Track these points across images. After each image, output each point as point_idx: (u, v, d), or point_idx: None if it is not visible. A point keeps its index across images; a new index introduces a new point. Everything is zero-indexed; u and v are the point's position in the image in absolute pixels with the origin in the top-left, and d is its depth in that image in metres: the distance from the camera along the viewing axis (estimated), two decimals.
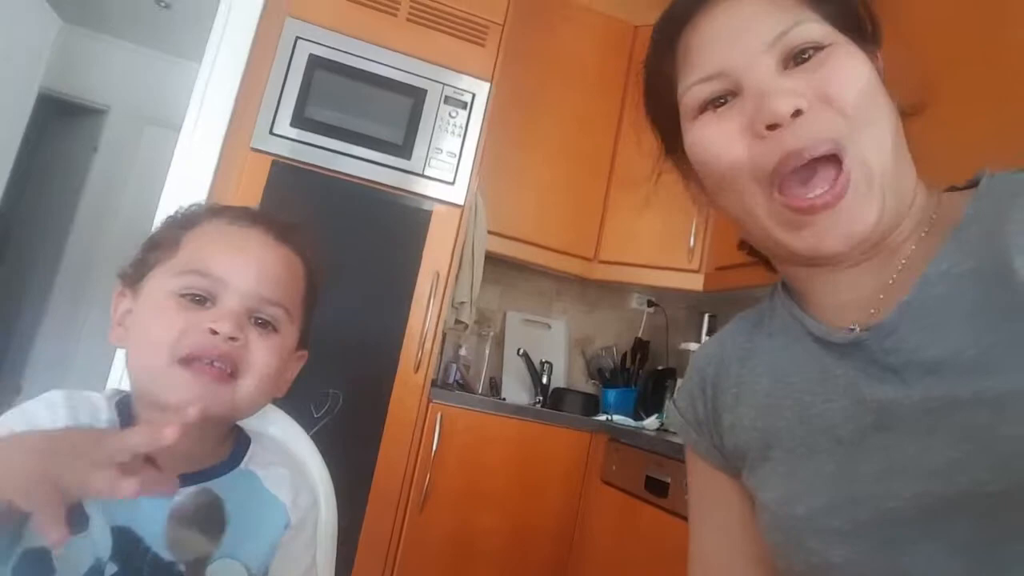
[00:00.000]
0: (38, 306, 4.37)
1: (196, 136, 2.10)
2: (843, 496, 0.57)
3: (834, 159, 0.56)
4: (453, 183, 2.23)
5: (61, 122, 4.57)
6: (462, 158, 2.25)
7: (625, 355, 2.91)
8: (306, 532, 0.78)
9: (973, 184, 0.61)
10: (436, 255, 2.20)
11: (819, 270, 0.62)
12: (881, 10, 0.64)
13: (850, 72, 0.57)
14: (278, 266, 0.77)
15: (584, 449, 2.33)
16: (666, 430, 2.33)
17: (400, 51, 2.23)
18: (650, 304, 2.99)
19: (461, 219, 2.25)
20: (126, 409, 0.73)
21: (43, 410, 0.68)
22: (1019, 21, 1.47)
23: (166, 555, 0.65)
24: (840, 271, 0.61)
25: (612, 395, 2.76)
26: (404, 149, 2.20)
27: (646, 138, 0.74)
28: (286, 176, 2.10)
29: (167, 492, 0.56)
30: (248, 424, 0.81)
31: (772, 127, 0.56)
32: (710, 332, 2.63)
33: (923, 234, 0.60)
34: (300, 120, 2.13)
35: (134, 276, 0.76)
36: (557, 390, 2.75)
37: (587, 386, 2.95)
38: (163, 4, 4.01)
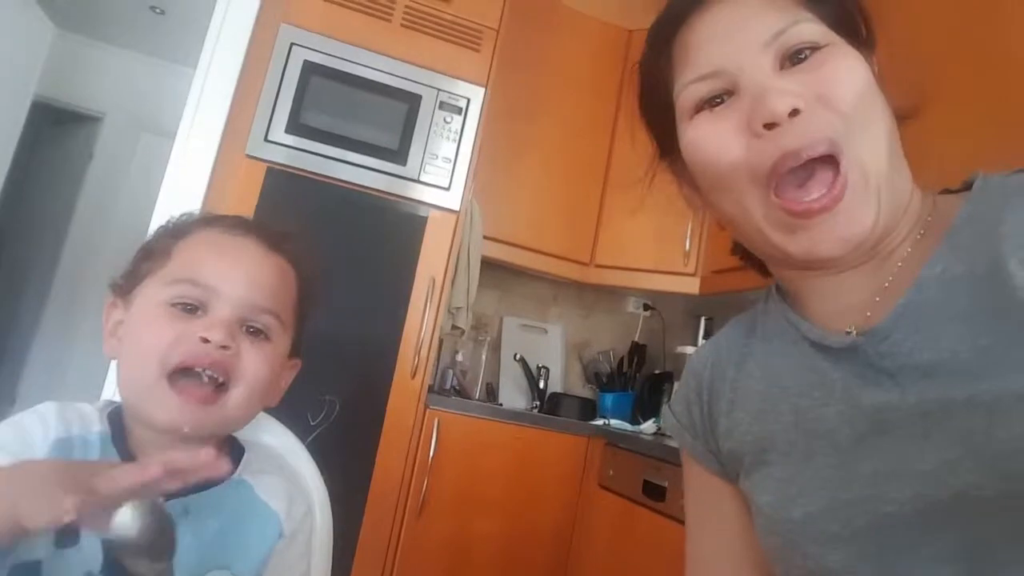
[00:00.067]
0: (33, 314, 4.35)
1: (191, 143, 2.10)
2: (840, 500, 0.57)
3: (831, 160, 0.55)
4: (448, 188, 2.23)
5: (56, 129, 4.56)
6: (457, 163, 2.25)
7: (622, 359, 2.91)
8: (300, 542, 0.78)
9: (967, 187, 0.61)
10: (432, 261, 2.20)
11: (814, 273, 0.62)
12: (874, 13, 0.64)
13: (848, 73, 0.57)
14: (270, 274, 0.76)
15: (581, 454, 2.33)
16: (663, 434, 2.33)
17: (395, 57, 2.23)
18: (646, 308, 2.99)
19: (457, 224, 2.24)
20: (117, 421, 0.73)
21: (35, 422, 0.68)
22: (1011, 24, 1.48)
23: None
24: (835, 274, 0.61)
25: (609, 399, 2.76)
26: (399, 155, 2.20)
27: (641, 140, 0.74)
28: (281, 182, 2.10)
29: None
30: (242, 433, 0.81)
31: (769, 126, 0.56)
32: (706, 335, 2.63)
33: (918, 237, 0.60)
34: (295, 126, 2.13)
35: (125, 287, 0.76)
36: (554, 395, 2.75)
37: (584, 391, 2.95)
38: (158, 11, 4.01)
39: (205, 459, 0.53)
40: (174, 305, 0.71)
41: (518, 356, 2.77)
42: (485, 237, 2.50)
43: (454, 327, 2.44)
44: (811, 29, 0.59)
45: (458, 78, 2.29)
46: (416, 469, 2.14)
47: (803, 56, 0.58)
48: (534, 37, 2.66)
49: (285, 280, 0.79)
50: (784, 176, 0.57)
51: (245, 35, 2.15)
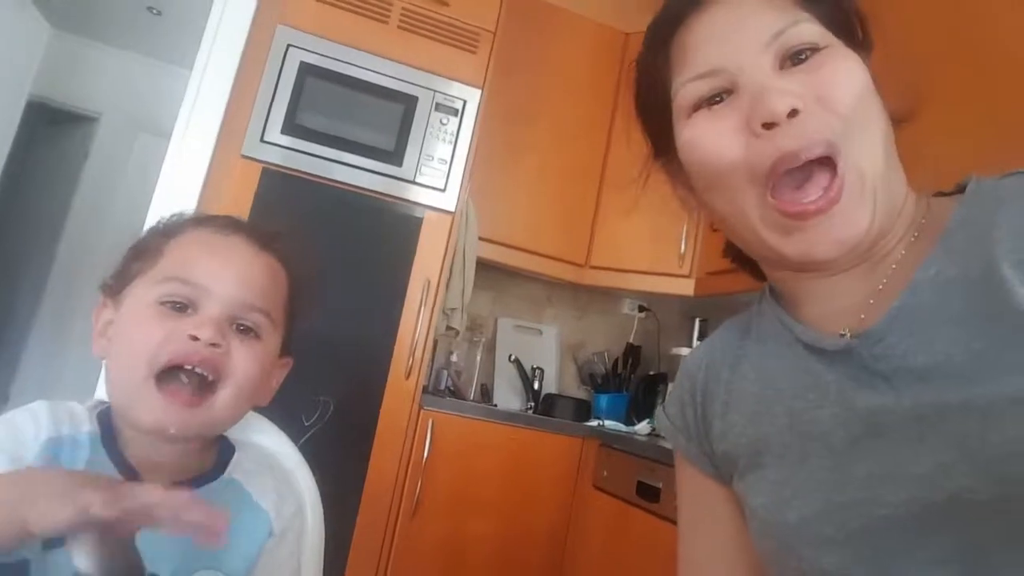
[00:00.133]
0: (28, 313, 4.34)
1: (186, 143, 2.10)
2: (834, 503, 0.57)
3: (828, 162, 0.55)
4: (444, 190, 2.24)
5: (52, 129, 4.55)
6: (453, 165, 2.25)
7: (617, 360, 2.92)
8: (289, 540, 0.78)
9: (960, 189, 0.62)
10: (427, 262, 2.20)
11: (808, 275, 0.62)
12: (869, 16, 0.64)
13: (847, 75, 0.57)
14: (260, 273, 0.77)
15: (576, 455, 2.33)
16: (657, 435, 2.33)
17: (391, 58, 2.24)
18: (641, 309, 2.99)
19: (452, 226, 2.25)
20: (107, 421, 0.73)
21: (27, 420, 0.68)
22: (1003, 26, 1.48)
23: (147, 567, 0.65)
24: (829, 276, 0.61)
25: (604, 400, 2.76)
26: (395, 156, 2.20)
27: (636, 140, 0.73)
28: (277, 183, 2.10)
29: None
30: (233, 433, 0.81)
31: (768, 126, 0.56)
32: (701, 337, 2.63)
33: (912, 239, 0.60)
34: (291, 127, 2.13)
35: (115, 287, 0.76)
36: (549, 396, 2.75)
37: (579, 392, 2.95)
38: (155, 11, 4.00)
39: (212, 521, 0.53)
40: (163, 304, 0.71)
41: (513, 357, 2.77)
42: (480, 238, 2.50)
43: (449, 328, 2.45)
44: (810, 30, 0.59)
45: (454, 80, 2.29)
46: (410, 470, 2.14)
47: (803, 57, 0.58)
48: (531, 39, 2.66)
49: (275, 279, 0.79)
50: (781, 177, 0.57)
51: (241, 36, 2.15)
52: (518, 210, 2.66)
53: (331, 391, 2.04)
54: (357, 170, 2.17)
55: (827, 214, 0.55)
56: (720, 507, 0.72)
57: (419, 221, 2.21)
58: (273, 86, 2.13)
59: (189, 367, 0.69)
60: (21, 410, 0.69)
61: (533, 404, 2.74)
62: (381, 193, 2.19)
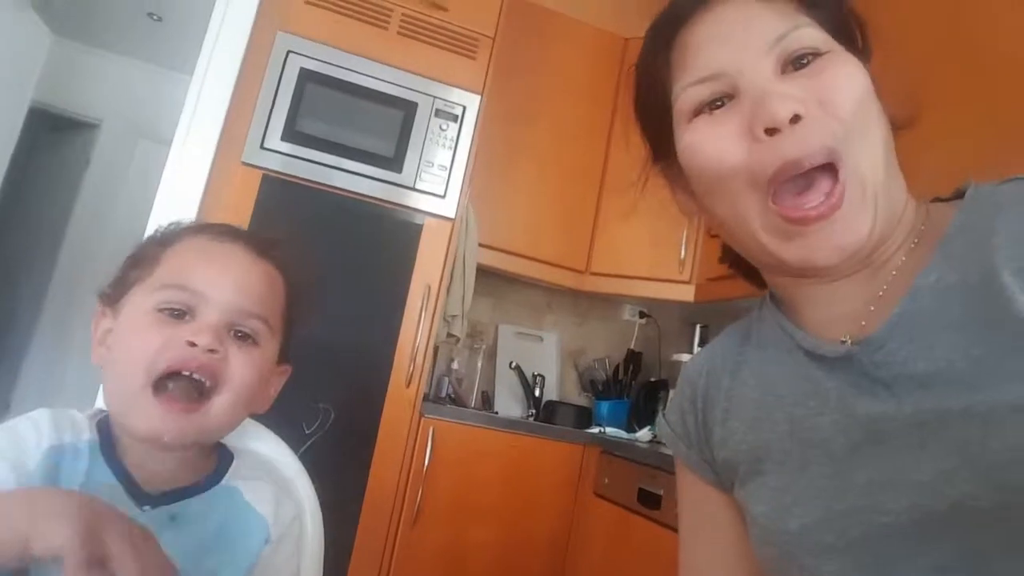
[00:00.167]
0: (29, 320, 4.34)
1: (187, 150, 2.10)
2: (835, 511, 0.56)
3: (830, 168, 0.55)
4: (444, 196, 2.24)
5: (53, 136, 4.57)
6: (453, 171, 2.25)
7: (618, 367, 2.91)
8: (287, 547, 0.78)
9: (958, 195, 0.61)
10: (427, 268, 2.20)
11: (808, 281, 0.62)
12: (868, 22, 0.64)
13: (848, 80, 0.57)
14: (258, 280, 0.77)
15: (577, 462, 2.33)
16: (659, 442, 2.32)
17: (391, 64, 2.24)
18: (642, 315, 2.99)
19: (452, 232, 2.25)
20: (105, 428, 0.73)
21: (29, 429, 0.68)
22: (1001, 31, 1.49)
23: None
24: (829, 283, 0.61)
25: (605, 407, 2.75)
26: (395, 162, 2.20)
27: (636, 144, 0.73)
28: (277, 190, 2.10)
29: None
30: (232, 441, 0.81)
31: (771, 131, 0.55)
32: (702, 343, 2.63)
33: (912, 246, 0.60)
34: (291, 134, 2.13)
35: (114, 295, 0.76)
36: (550, 403, 2.74)
37: (580, 398, 2.95)
38: (155, 17, 4.02)
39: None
40: (161, 311, 0.71)
41: (513, 364, 2.77)
42: (481, 244, 2.50)
43: (449, 335, 2.44)
44: (812, 34, 0.59)
45: (454, 86, 2.29)
46: (411, 478, 2.14)
47: (804, 62, 0.58)
48: (530, 45, 2.67)
49: (273, 286, 0.79)
50: (783, 183, 0.57)
51: (242, 42, 2.15)
52: (518, 216, 2.66)
53: (332, 399, 2.04)
54: (357, 176, 2.17)
55: (828, 220, 0.55)
56: (721, 514, 0.72)
57: (419, 228, 2.21)
58: (273, 92, 2.13)
59: (187, 373, 0.69)
60: (23, 418, 0.69)
61: (534, 411, 2.73)
62: (381, 199, 2.19)
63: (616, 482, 2.12)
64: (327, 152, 2.15)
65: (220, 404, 0.71)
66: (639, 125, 0.72)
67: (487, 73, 2.34)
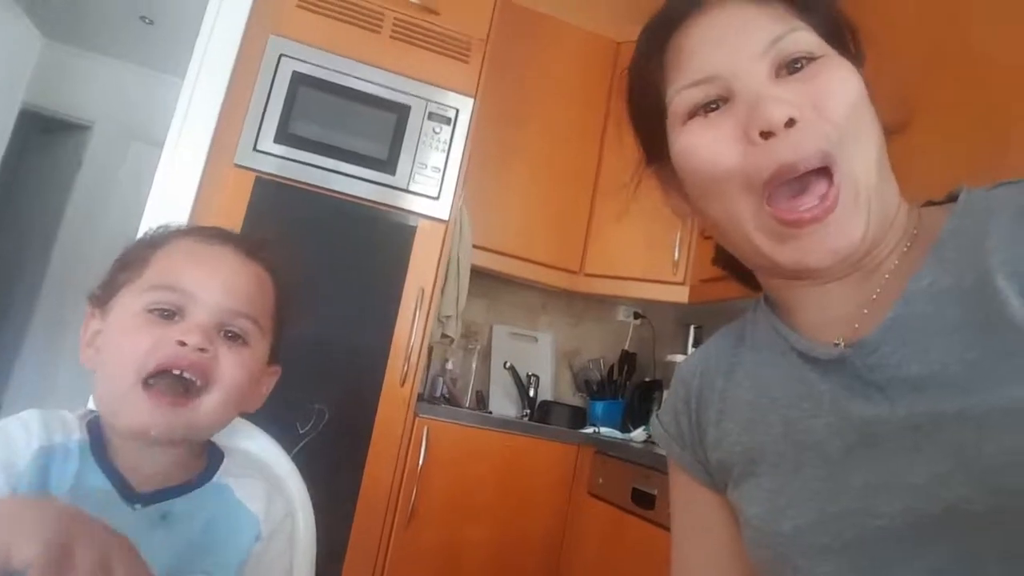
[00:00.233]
0: (21, 323, 4.33)
1: (179, 153, 2.10)
2: (829, 513, 0.57)
3: (824, 171, 0.55)
4: (438, 198, 2.24)
5: (45, 138, 4.56)
6: (446, 173, 2.25)
7: (612, 367, 2.92)
8: (279, 544, 0.78)
9: (951, 199, 0.62)
10: (421, 270, 2.20)
11: (801, 283, 0.62)
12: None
13: (842, 85, 0.57)
14: (248, 281, 0.77)
15: (571, 462, 2.33)
16: (653, 442, 2.33)
17: (384, 68, 2.24)
18: (636, 316, 3.00)
19: (446, 234, 2.25)
20: (96, 429, 0.73)
21: (19, 429, 0.68)
22: (988, 37, 1.50)
23: None
24: (822, 285, 0.61)
25: (599, 407, 2.75)
26: (388, 165, 2.20)
27: (629, 146, 0.73)
28: (270, 192, 2.10)
29: None
30: (223, 440, 0.81)
31: (766, 135, 0.56)
32: (696, 344, 2.64)
33: (905, 249, 0.61)
34: (284, 136, 2.13)
35: (103, 297, 0.76)
36: (544, 403, 2.75)
37: (574, 399, 2.95)
38: (147, 20, 4.01)
39: None
40: (151, 311, 0.72)
41: (508, 364, 2.77)
42: (475, 246, 2.51)
43: (444, 335, 2.45)
44: (807, 38, 0.59)
45: (447, 89, 2.29)
46: (405, 477, 2.14)
47: (799, 66, 0.58)
48: (523, 48, 2.67)
49: (263, 287, 0.79)
50: (778, 186, 0.57)
51: (234, 46, 2.16)
52: (512, 218, 2.66)
53: (326, 399, 2.04)
54: (350, 179, 2.17)
55: (822, 223, 0.55)
56: (714, 515, 0.72)
57: (413, 229, 2.22)
58: (266, 96, 2.13)
59: (177, 372, 0.70)
60: (12, 419, 0.69)
61: (529, 411, 2.73)
62: (374, 202, 2.19)
63: (610, 482, 2.13)
64: (320, 155, 2.15)
65: (210, 402, 0.72)
66: (632, 127, 0.72)
67: (480, 76, 2.34)
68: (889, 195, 0.60)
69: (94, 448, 0.71)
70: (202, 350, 0.70)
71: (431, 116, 2.25)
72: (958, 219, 0.58)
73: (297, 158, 2.13)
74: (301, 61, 2.17)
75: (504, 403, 2.80)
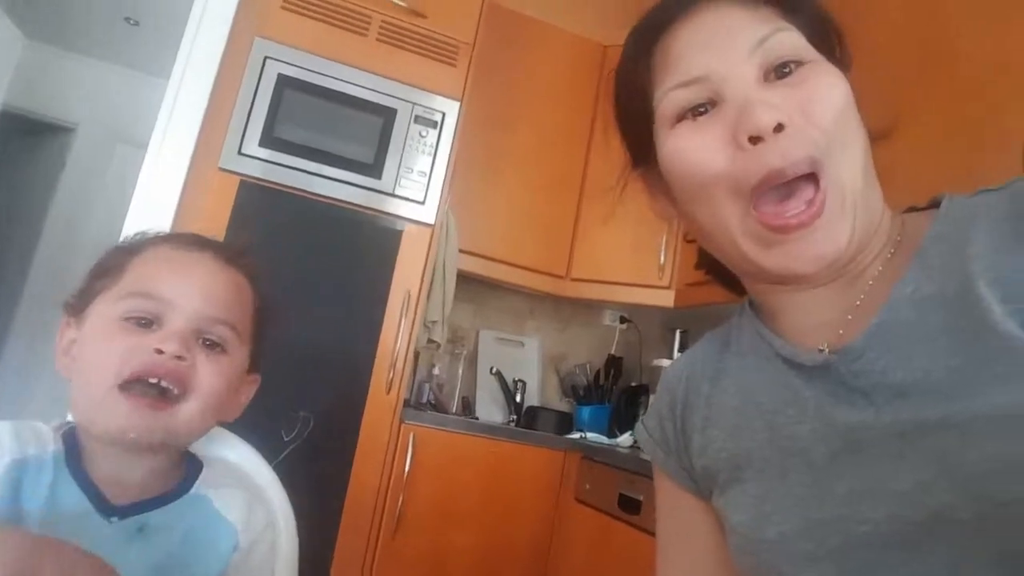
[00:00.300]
0: (1, 328, 4.27)
1: (163, 155, 2.08)
2: (814, 519, 0.56)
3: (811, 177, 0.56)
4: (424, 202, 2.23)
5: (28, 140, 4.51)
6: (432, 177, 2.25)
7: (598, 372, 2.92)
8: (259, 554, 0.77)
9: (933, 205, 0.62)
10: (407, 274, 2.19)
11: (786, 288, 0.62)
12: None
13: (830, 90, 0.58)
14: (226, 288, 0.76)
15: (558, 468, 2.33)
16: (639, 447, 2.33)
17: (370, 71, 2.23)
18: (623, 320, 3.00)
19: (432, 238, 2.24)
20: (71, 440, 0.72)
21: None
22: (968, 43, 1.51)
23: None
24: (808, 290, 0.61)
25: (586, 412, 2.76)
26: (374, 168, 2.19)
27: (615, 148, 0.73)
28: (255, 196, 2.08)
29: None
30: (203, 449, 0.81)
31: (754, 140, 0.56)
32: (682, 348, 2.64)
33: (888, 255, 0.61)
34: (269, 140, 2.12)
35: (78, 305, 0.75)
36: (531, 408, 2.74)
37: (561, 404, 2.95)
38: (132, 22, 3.98)
39: None
40: (127, 319, 0.71)
41: (494, 370, 2.76)
42: (461, 251, 2.50)
43: (430, 341, 2.44)
44: (793, 39, 0.59)
45: (434, 92, 2.29)
46: (391, 484, 2.13)
47: (787, 70, 0.58)
48: (510, 52, 2.67)
49: (241, 294, 0.79)
50: (765, 192, 0.57)
51: (218, 48, 2.14)
52: (498, 223, 2.66)
53: (311, 406, 2.02)
54: (336, 183, 2.16)
55: (809, 228, 0.55)
56: (699, 522, 0.72)
57: (399, 234, 2.21)
58: (251, 98, 2.12)
59: (154, 380, 0.69)
60: None
61: (515, 417, 2.73)
62: (360, 206, 2.18)
63: (597, 488, 2.12)
64: (306, 158, 2.14)
65: (188, 410, 0.71)
66: (619, 130, 0.71)
67: (466, 80, 2.33)
68: (874, 201, 0.60)
69: (69, 460, 0.69)
70: (179, 358, 0.70)
71: (417, 120, 2.25)
72: (940, 225, 0.58)
73: (282, 162, 2.12)
74: (286, 64, 2.16)
75: (491, 409, 2.80)
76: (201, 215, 2.05)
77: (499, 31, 2.54)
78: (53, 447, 0.70)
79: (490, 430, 2.34)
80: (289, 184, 2.12)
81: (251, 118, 2.11)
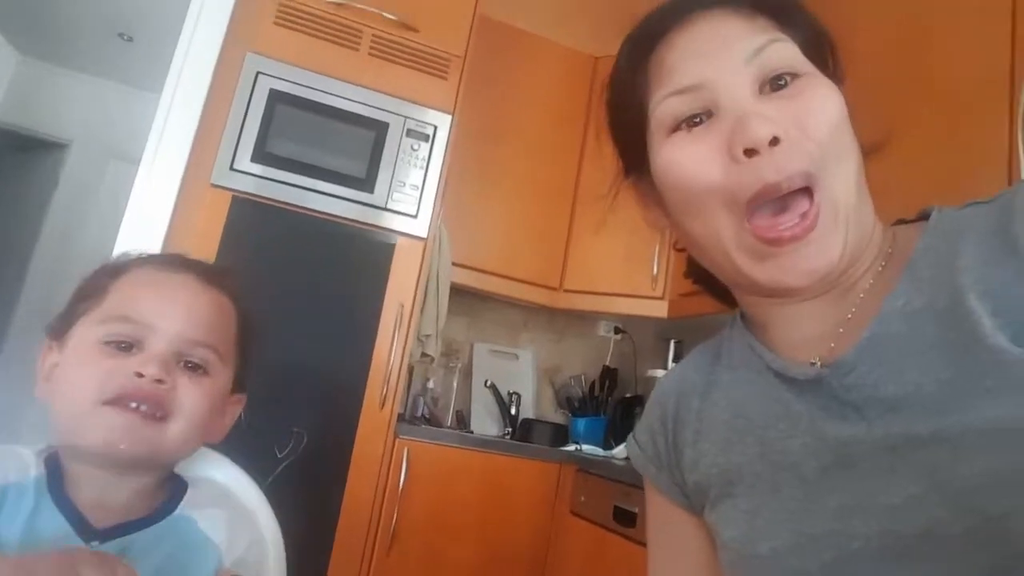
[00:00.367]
0: None
1: (155, 171, 2.08)
2: (807, 535, 0.56)
3: (806, 191, 0.56)
4: (416, 216, 2.23)
5: (21, 156, 4.50)
6: (425, 191, 2.25)
7: (593, 383, 2.91)
8: (245, 573, 0.76)
9: (922, 217, 0.62)
10: (400, 288, 2.19)
11: (777, 301, 0.62)
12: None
13: (825, 104, 0.58)
14: (207, 309, 0.76)
15: (553, 481, 2.32)
16: None
17: (362, 85, 2.24)
18: (617, 331, 3.00)
19: (425, 252, 2.24)
20: (54, 464, 0.71)
21: None
22: (954, 58, 1.52)
23: None
24: (799, 303, 0.61)
25: (581, 424, 2.75)
26: (366, 183, 2.19)
27: (608, 157, 0.73)
28: (247, 211, 2.08)
29: None
30: (189, 470, 0.80)
31: (750, 152, 0.55)
32: (676, 358, 2.64)
33: (880, 269, 0.61)
34: (261, 155, 2.12)
35: (60, 328, 0.75)
36: (526, 421, 2.74)
37: (556, 416, 2.95)
38: (126, 38, 3.99)
39: None
40: (108, 343, 0.70)
41: (489, 382, 2.76)
42: (454, 264, 2.50)
43: (424, 355, 2.43)
44: (788, 50, 0.59)
45: (425, 105, 2.29)
46: (386, 499, 2.12)
47: (783, 83, 0.58)
48: (501, 65, 2.69)
49: (223, 314, 0.78)
50: (760, 205, 0.57)
51: (210, 63, 2.14)
52: (491, 235, 2.66)
53: (304, 422, 2.02)
54: (328, 197, 2.16)
55: (802, 241, 0.55)
56: (691, 537, 0.71)
57: (391, 247, 2.20)
58: (243, 114, 2.12)
59: (134, 404, 0.68)
60: None
61: (510, 429, 2.72)
62: (352, 220, 2.18)
63: (592, 500, 2.12)
64: (298, 173, 2.14)
65: (172, 432, 0.71)
66: (611, 138, 0.71)
67: (458, 93, 2.34)
68: (866, 215, 0.60)
69: (51, 485, 0.69)
70: (159, 381, 0.69)
71: (409, 133, 2.25)
72: (930, 238, 0.59)
73: (274, 177, 2.12)
74: (278, 79, 2.16)
75: (486, 422, 2.79)
76: (194, 231, 2.04)
77: (490, 44, 2.55)
78: (35, 472, 0.69)
79: (484, 444, 2.33)
80: (281, 199, 2.12)
81: (243, 133, 2.11)
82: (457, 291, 2.57)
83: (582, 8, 2.85)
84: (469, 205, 2.61)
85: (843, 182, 0.57)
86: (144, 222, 2.04)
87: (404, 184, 2.22)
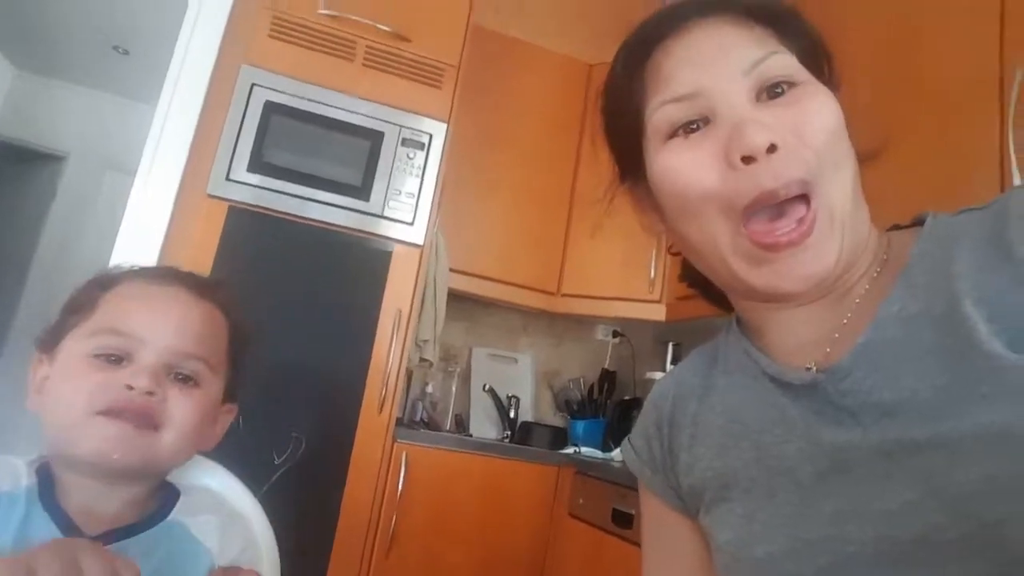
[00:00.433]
0: None
1: (151, 182, 2.09)
2: (802, 540, 0.56)
3: (802, 197, 0.56)
4: (412, 223, 2.24)
5: (18, 168, 4.51)
6: (421, 198, 2.26)
7: (592, 386, 2.92)
8: None
9: (917, 222, 0.62)
10: (397, 295, 2.20)
11: (773, 306, 0.62)
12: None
13: (822, 112, 0.58)
14: (198, 321, 0.76)
15: (552, 483, 2.33)
16: None
17: (357, 95, 2.25)
18: (615, 335, 3.01)
19: (421, 258, 2.25)
20: (45, 474, 0.71)
21: None
22: (945, 63, 1.53)
23: None
24: (795, 309, 0.62)
25: (580, 427, 2.75)
26: (363, 191, 2.21)
27: (603, 162, 0.73)
28: (244, 221, 2.10)
29: None
30: (183, 478, 0.80)
31: (747, 160, 0.56)
32: (674, 361, 2.65)
33: (875, 274, 0.61)
34: (257, 165, 2.13)
35: (50, 341, 0.75)
36: (525, 424, 2.74)
37: (555, 419, 2.95)
38: (121, 50, 4.00)
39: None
40: (97, 356, 0.71)
41: (487, 387, 2.76)
42: (452, 270, 2.51)
43: (422, 359, 2.44)
44: (787, 62, 0.60)
45: (420, 114, 2.31)
46: (385, 504, 2.12)
47: (780, 91, 0.58)
48: (495, 73, 2.70)
49: (214, 326, 0.79)
50: (757, 211, 0.57)
51: (205, 75, 2.16)
52: (488, 241, 2.67)
53: (303, 428, 2.02)
54: (325, 206, 2.17)
55: (799, 247, 0.56)
56: (685, 540, 0.71)
57: (388, 255, 2.22)
58: (238, 125, 2.13)
59: (126, 417, 0.69)
60: None
61: (509, 433, 2.73)
62: (349, 228, 2.19)
63: (590, 503, 2.12)
64: (294, 183, 2.15)
65: (164, 442, 0.71)
66: (607, 143, 0.71)
67: (453, 101, 2.35)
68: (861, 221, 0.61)
69: (43, 494, 0.69)
70: (150, 393, 0.70)
71: (404, 142, 2.26)
72: (925, 243, 0.59)
73: (270, 187, 2.13)
74: (273, 90, 2.18)
75: (485, 425, 2.79)
76: (190, 241, 2.06)
77: (484, 52, 2.57)
78: (27, 482, 0.70)
79: (483, 447, 2.34)
80: (278, 209, 2.13)
81: (239, 144, 2.12)
82: (455, 296, 2.58)
83: (576, 16, 2.88)
84: (467, 212, 2.63)
85: (839, 189, 0.57)
86: (141, 233, 2.06)
87: (400, 192, 2.24)
